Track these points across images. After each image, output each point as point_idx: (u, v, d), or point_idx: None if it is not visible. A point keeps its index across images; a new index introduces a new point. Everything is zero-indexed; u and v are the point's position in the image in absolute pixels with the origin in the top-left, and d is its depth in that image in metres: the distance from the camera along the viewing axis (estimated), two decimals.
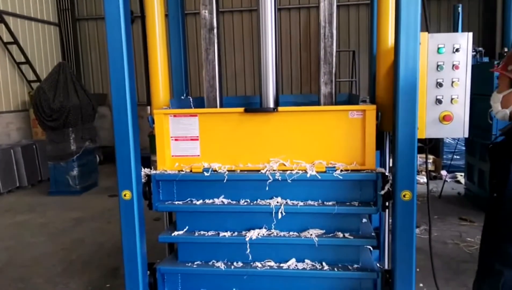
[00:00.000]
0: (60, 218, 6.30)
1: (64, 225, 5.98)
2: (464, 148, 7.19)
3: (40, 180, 8.53)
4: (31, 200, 7.44)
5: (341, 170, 2.38)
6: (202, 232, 2.56)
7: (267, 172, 2.42)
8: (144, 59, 2.94)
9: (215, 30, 2.67)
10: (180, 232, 2.57)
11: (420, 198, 5.46)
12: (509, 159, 1.70)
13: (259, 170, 2.46)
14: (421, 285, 3.59)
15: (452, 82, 2.40)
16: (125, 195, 2.40)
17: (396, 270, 2.27)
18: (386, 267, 2.90)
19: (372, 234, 2.48)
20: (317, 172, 2.38)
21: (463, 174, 7.31)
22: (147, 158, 8.31)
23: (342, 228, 2.46)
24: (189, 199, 2.56)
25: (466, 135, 2.46)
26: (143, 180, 2.49)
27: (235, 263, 2.54)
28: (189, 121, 2.51)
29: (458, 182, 7.47)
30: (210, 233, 2.55)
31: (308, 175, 2.38)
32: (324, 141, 2.44)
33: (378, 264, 2.69)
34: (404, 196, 2.22)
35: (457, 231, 5.09)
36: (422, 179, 7.17)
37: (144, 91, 10.31)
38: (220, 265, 2.53)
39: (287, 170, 2.43)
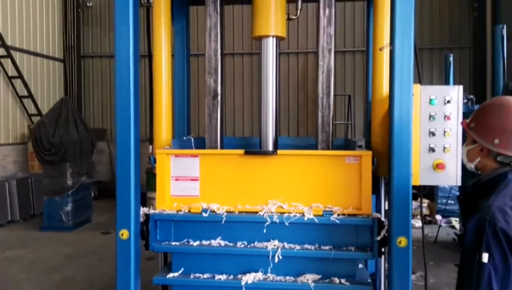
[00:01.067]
0: (51, 255, 6.19)
1: (55, 262, 5.86)
2: (458, 193, 7.24)
3: (33, 215, 8.43)
4: (23, 235, 7.32)
5: (338, 214, 2.42)
6: (197, 275, 2.54)
7: (265, 214, 2.45)
8: (149, 97, 3.03)
9: (219, 97, 2.81)
10: (176, 274, 2.55)
11: (415, 243, 5.42)
12: (473, 214, 1.71)
13: (257, 212, 2.49)
14: None
15: (444, 131, 2.50)
16: (122, 235, 2.41)
17: None
18: None
19: (368, 280, 2.48)
20: (314, 215, 2.42)
21: (457, 219, 7.33)
22: (143, 194, 8.27)
23: (339, 273, 2.46)
24: (186, 239, 2.57)
25: (459, 183, 2.52)
26: (141, 220, 2.51)
27: None
28: (190, 161, 2.56)
29: (453, 227, 7.47)
30: (205, 275, 2.53)
31: (305, 218, 2.41)
32: (322, 184, 2.50)
33: None
34: (399, 242, 2.25)
35: (453, 278, 5.02)
36: (417, 223, 7.16)
37: (144, 127, 10.45)
38: None
39: (284, 213, 2.46)
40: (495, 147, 1.74)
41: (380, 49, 2.62)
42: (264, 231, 2.46)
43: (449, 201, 7.41)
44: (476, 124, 1.83)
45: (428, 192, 8.13)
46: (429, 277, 3.13)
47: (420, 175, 2.52)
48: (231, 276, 2.50)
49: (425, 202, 7.87)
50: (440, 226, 7.00)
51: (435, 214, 7.77)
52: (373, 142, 2.74)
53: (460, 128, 2.47)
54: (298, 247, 2.47)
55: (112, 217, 9.15)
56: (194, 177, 2.57)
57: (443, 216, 7.43)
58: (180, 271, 2.57)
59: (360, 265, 2.71)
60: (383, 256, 2.78)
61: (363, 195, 2.45)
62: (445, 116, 2.48)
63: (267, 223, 2.44)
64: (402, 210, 2.25)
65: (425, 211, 7.77)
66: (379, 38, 2.71)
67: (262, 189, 2.53)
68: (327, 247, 2.46)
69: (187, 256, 2.57)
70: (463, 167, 2.43)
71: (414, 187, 2.36)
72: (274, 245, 2.46)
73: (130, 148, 2.37)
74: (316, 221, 2.41)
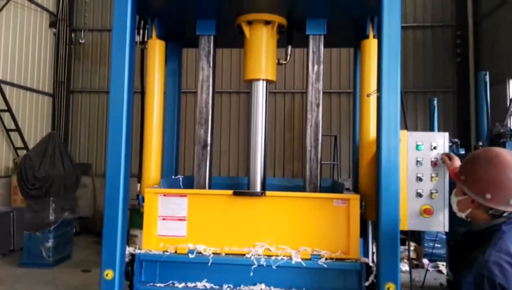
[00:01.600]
0: None
1: None
2: (445, 237, 7.25)
3: (13, 250, 8.15)
4: (1, 270, 7.04)
5: (326, 258, 2.41)
6: None
7: (252, 256, 2.43)
8: (140, 134, 3.05)
9: (209, 148, 2.87)
10: None
11: (402, 288, 5.35)
12: (466, 264, 1.71)
13: (244, 254, 2.46)
14: None
15: (431, 177, 2.54)
16: (107, 275, 2.36)
17: None
18: None
19: None
20: (302, 259, 2.40)
21: (444, 263, 7.29)
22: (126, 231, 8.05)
23: None
24: (171, 281, 2.51)
25: (447, 229, 2.55)
26: (126, 259, 2.46)
27: None
28: (179, 201, 2.56)
29: (440, 271, 7.40)
30: None
31: (293, 262, 2.40)
32: (309, 227, 2.50)
33: None
34: (388, 288, 2.24)
35: None
36: (404, 267, 7.10)
37: (132, 162, 10.38)
38: None
39: (272, 256, 2.44)
40: (487, 202, 1.74)
41: (368, 95, 2.72)
42: (251, 274, 2.43)
43: (436, 245, 7.40)
44: (466, 177, 1.83)
45: (414, 236, 8.14)
46: None
47: (408, 220, 2.55)
48: None
49: (412, 245, 7.84)
50: (427, 270, 6.94)
51: (422, 258, 7.73)
52: (361, 185, 2.78)
53: (447, 173, 2.52)
54: None
55: (92, 254, 8.93)
56: (182, 217, 2.56)
57: (430, 260, 7.38)
58: None
59: None
60: None
61: (351, 239, 2.45)
62: (431, 161, 2.53)
63: (254, 266, 2.41)
64: (390, 255, 2.25)
65: (412, 254, 7.72)
66: (366, 83, 2.81)
67: (250, 230, 2.52)
68: None
69: None
70: (453, 212, 2.47)
71: (402, 231, 2.38)
72: (261, 289, 2.42)
73: (120, 186, 2.37)
74: (304, 264, 2.39)
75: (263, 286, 2.44)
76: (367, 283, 2.32)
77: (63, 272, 7.04)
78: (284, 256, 2.43)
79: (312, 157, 2.76)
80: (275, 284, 2.45)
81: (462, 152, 7.11)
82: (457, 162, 2.43)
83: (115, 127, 2.41)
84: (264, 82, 2.79)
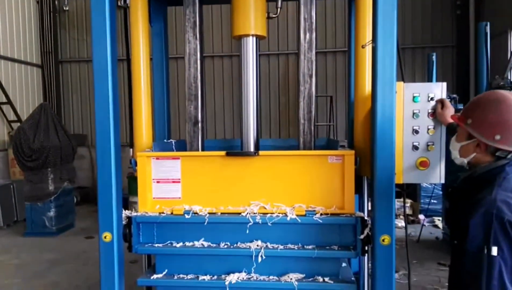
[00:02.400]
0: (35, 260, 6.08)
1: (40, 267, 5.76)
2: (441, 192, 7.35)
3: (16, 221, 8.28)
4: (6, 241, 7.19)
5: (321, 214, 2.42)
6: (181, 276, 2.52)
7: (248, 215, 2.44)
8: (128, 101, 3.01)
9: (200, 124, 2.80)
10: (159, 275, 2.52)
11: (398, 243, 5.43)
12: (470, 208, 1.70)
13: (239, 213, 2.47)
14: None
15: (428, 129, 2.51)
16: (105, 237, 2.38)
17: None
18: None
19: (352, 278, 2.49)
20: (297, 215, 2.41)
21: (440, 218, 7.42)
22: (125, 199, 8.21)
23: (322, 272, 2.47)
24: (169, 241, 2.54)
25: (443, 181, 2.54)
26: (123, 222, 2.48)
27: None
28: (171, 163, 2.53)
29: (436, 226, 7.56)
30: (189, 276, 2.51)
31: (288, 219, 2.41)
32: (304, 185, 2.49)
33: None
34: (383, 240, 2.26)
35: (436, 276, 5.10)
36: (400, 223, 7.22)
37: (124, 132, 10.33)
38: None
39: (267, 213, 2.45)
40: (496, 143, 1.73)
41: (363, 46, 2.63)
42: (247, 231, 2.45)
43: (432, 201, 7.50)
44: (473, 120, 1.81)
45: (410, 191, 8.24)
46: (412, 275, 3.15)
47: (404, 173, 2.54)
48: (215, 277, 2.49)
49: (408, 202, 7.96)
50: (423, 225, 7.08)
51: (418, 214, 7.87)
52: (355, 141, 2.75)
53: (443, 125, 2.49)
54: (281, 247, 2.46)
55: (95, 222, 9.00)
56: (176, 179, 2.54)
57: (426, 216, 7.52)
58: (164, 273, 2.54)
59: (344, 264, 2.72)
60: (366, 255, 2.79)
61: (346, 194, 2.45)
62: (428, 113, 2.49)
63: (250, 223, 2.42)
64: (385, 208, 2.25)
65: (408, 211, 7.85)
66: (361, 36, 2.72)
67: (244, 190, 2.52)
68: (310, 247, 2.45)
69: (171, 258, 2.54)
70: (448, 164, 2.46)
71: (397, 185, 2.38)
72: (257, 246, 2.44)
73: (111, 148, 2.33)
74: (299, 221, 2.40)
75: (259, 242, 2.46)
76: (362, 236, 2.35)
77: (67, 240, 7.19)
78: (279, 213, 2.44)
79: (306, 107, 2.70)
80: (271, 240, 2.48)
81: (460, 107, 7.07)
82: (450, 110, 2.40)
83: (102, 94, 2.34)
84: (254, 38, 2.70)
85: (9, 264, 5.93)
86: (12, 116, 9.59)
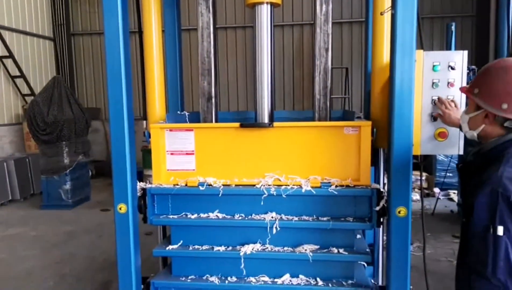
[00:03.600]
0: (52, 232, 6.23)
1: (56, 239, 5.91)
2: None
3: (33, 194, 8.46)
4: (24, 213, 7.36)
5: (336, 186, 2.39)
6: (196, 247, 2.54)
7: (262, 187, 2.42)
8: (141, 74, 2.98)
9: (213, 100, 2.72)
10: (175, 246, 2.54)
11: (413, 216, 5.42)
12: (477, 186, 1.63)
13: (254, 185, 2.45)
14: None
15: (447, 98, 2.42)
16: (120, 209, 2.39)
17: (391, 286, 2.26)
18: (380, 283, 2.89)
19: (367, 250, 2.48)
20: (312, 187, 2.39)
21: (456, 191, 7.36)
22: (140, 172, 8.27)
23: (337, 243, 2.46)
24: (183, 213, 2.55)
25: (461, 152, 2.47)
26: (138, 194, 2.48)
27: (229, 278, 2.52)
28: (185, 135, 2.51)
29: (451, 199, 7.51)
30: (204, 247, 2.53)
31: (303, 190, 2.38)
32: (319, 156, 2.46)
33: (372, 281, 2.68)
34: (399, 212, 2.22)
35: (450, 249, 5.09)
36: (415, 196, 7.19)
37: (138, 105, 10.36)
38: (214, 279, 2.51)
39: (282, 185, 2.43)
40: (503, 113, 1.65)
41: (381, 13, 2.52)
42: (262, 203, 2.44)
43: (448, 174, 7.43)
44: (480, 90, 1.74)
45: (426, 165, 8.15)
46: (427, 248, 3.15)
47: (421, 145, 2.47)
48: (230, 248, 2.50)
49: (423, 175, 7.87)
50: (438, 198, 7.03)
51: (433, 187, 7.81)
52: (372, 113, 2.68)
53: (464, 95, 2.40)
54: (296, 218, 2.45)
55: (110, 195, 9.19)
56: (190, 151, 2.53)
57: (441, 189, 7.46)
58: (179, 243, 2.56)
59: (359, 236, 2.71)
60: (381, 228, 2.78)
61: (361, 166, 2.41)
62: (448, 82, 2.40)
63: (265, 195, 2.41)
64: (402, 179, 2.20)
65: (423, 184, 7.79)
66: (379, 3, 2.61)
67: (259, 162, 2.49)
68: (325, 219, 2.44)
69: (186, 229, 2.55)
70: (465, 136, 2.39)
71: (414, 156, 2.32)
72: (272, 217, 2.44)
73: (124, 117, 2.31)
74: (314, 193, 2.38)
75: (273, 214, 2.45)
76: (377, 208, 2.32)
77: (83, 213, 7.33)
78: (294, 185, 2.42)
79: (322, 101, 2.64)
80: (286, 212, 2.47)
81: None
82: (457, 110, 2.33)
83: (114, 66, 2.29)
84: (269, 5, 2.61)
85: (26, 236, 6.09)
86: (25, 90, 9.66)
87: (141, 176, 7.82)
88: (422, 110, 2.44)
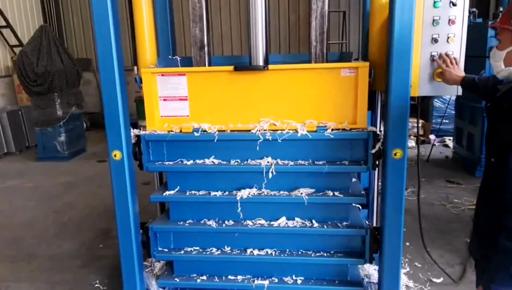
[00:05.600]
0: (50, 183, 6.26)
1: (55, 190, 5.94)
2: (453, 112, 7.22)
3: (28, 146, 8.42)
4: (20, 166, 7.36)
5: (332, 130, 2.37)
6: (193, 192, 2.56)
7: (258, 132, 2.39)
8: (130, 21, 2.84)
9: (206, 48, 2.58)
10: (171, 192, 2.56)
11: (408, 162, 5.48)
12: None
13: (249, 130, 2.43)
14: (407, 244, 3.67)
15: (448, 37, 2.34)
16: (115, 156, 2.38)
17: (385, 227, 2.31)
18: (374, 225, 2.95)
19: (362, 192, 2.50)
20: (308, 131, 2.36)
21: (451, 138, 7.38)
22: (134, 124, 8.15)
23: (332, 187, 2.48)
24: (179, 159, 2.54)
25: (460, 93, 2.41)
26: (132, 141, 2.46)
27: (226, 222, 2.56)
28: (178, 80, 2.44)
29: (446, 146, 7.54)
30: (201, 192, 2.55)
31: (298, 135, 2.36)
32: (315, 100, 2.41)
33: (366, 222, 2.73)
34: (395, 154, 2.22)
35: (444, 193, 5.17)
36: (411, 143, 7.22)
37: (129, 55, 10.08)
38: (212, 223, 2.55)
39: (277, 130, 2.41)
40: None
41: None
42: (257, 149, 2.43)
43: (444, 121, 7.41)
44: None
45: (422, 110, 8.10)
46: (421, 192, 3.19)
47: (420, 86, 2.41)
48: (226, 193, 2.52)
49: (419, 122, 7.87)
50: (433, 145, 7.06)
51: (429, 134, 7.82)
52: (370, 53, 2.59)
53: (465, 33, 2.31)
54: (291, 163, 2.45)
55: (106, 146, 9.11)
56: (183, 97, 2.47)
57: (437, 136, 7.47)
58: (176, 189, 2.57)
59: (354, 179, 2.72)
60: (376, 173, 2.79)
61: (358, 109, 2.37)
62: (449, 20, 2.31)
63: (260, 140, 2.39)
64: (399, 121, 2.19)
65: (419, 131, 7.78)
66: None
67: (254, 107, 2.45)
68: (321, 163, 2.44)
69: (182, 175, 2.56)
70: None
71: (412, 98, 2.27)
72: (268, 162, 2.43)
73: (114, 66, 2.24)
74: (310, 137, 2.36)
75: (269, 159, 2.45)
76: (373, 150, 2.31)
77: (80, 164, 7.34)
78: (289, 129, 2.39)
79: (318, 48, 2.53)
80: (282, 157, 2.46)
81: (479, 20, 6.66)
82: (458, 66, 2.24)
83: (100, 11, 2.19)
84: None
85: (24, 188, 6.12)
86: (13, 41, 9.35)
87: (136, 127, 7.77)
88: (422, 50, 2.36)
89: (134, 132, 2.48)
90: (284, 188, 2.50)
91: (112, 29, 2.21)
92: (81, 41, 10.95)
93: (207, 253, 2.58)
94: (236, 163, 2.48)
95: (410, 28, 2.06)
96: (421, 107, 2.48)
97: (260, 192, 2.49)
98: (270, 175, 2.42)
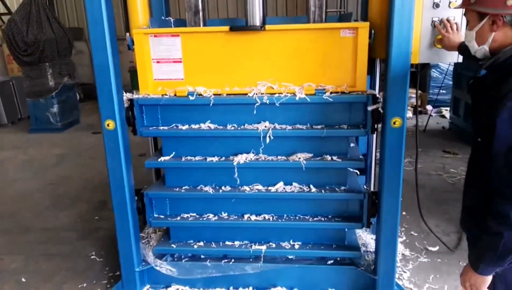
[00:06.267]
0: (44, 155, 6.19)
1: (49, 162, 5.88)
2: (451, 82, 7.15)
3: (20, 118, 8.30)
4: (13, 137, 7.27)
5: (331, 92, 2.31)
6: (189, 158, 2.51)
7: (255, 95, 2.33)
8: None
9: (201, 13, 2.48)
10: (167, 158, 2.51)
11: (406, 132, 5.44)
12: (495, 102, 1.46)
13: (246, 94, 2.36)
14: (404, 213, 3.69)
15: (450, 2, 2.24)
16: (108, 125, 2.32)
17: (383, 191, 2.29)
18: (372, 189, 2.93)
19: (360, 157, 2.47)
20: (306, 94, 2.30)
21: (448, 108, 7.34)
22: (120, 80, 7.88)
23: (330, 151, 2.44)
24: (174, 124, 2.48)
25: (460, 60, 2.34)
26: (125, 105, 2.39)
27: (223, 188, 2.53)
28: (171, 41, 2.35)
29: (443, 116, 7.52)
30: (197, 158, 2.50)
31: (296, 98, 2.30)
32: (314, 62, 2.33)
33: (364, 186, 2.71)
34: (394, 123, 2.18)
35: (440, 163, 5.18)
36: (408, 114, 7.18)
37: (121, 24, 9.80)
38: (208, 189, 2.52)
39: (275, 94, 2.34)
40: (510, 9, 1.45)
41: None
42: (254, 112, 2.37)
43: (441, 91, 7.35)
44: None
45: (420, 81, 8.02)
46: (418, 163, 3.17)
47: (420, 52, 2.33)
48: (223, 158, 2.47)
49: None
50: (430, 115, 7.04)
51: (426, 105, 7.77)
52: (370, 17, 2.50)
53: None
54: (289, 127, 2.40)
55: (100, 118, 9.05)
56: (177, 59, 2.39)
57: (434, 106, 7.43)
58: (171, 155, 2.52)
59: (352, 144, 2.68)
60: (374, 141, 2.75)
61: (358, 71, 2.30)
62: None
63: (257, 104, 2.33)
64: (398, 89, 2.13)
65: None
66: None
67: (251, 69, 2.37)
68: (319, 127, 2.39)
69: (177, 140, 2.50)
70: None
71: (412, 65, 2.20)
72: (265, 127, 2.38)
73: (105, 31, 2.15)
74: (308, 100, 2.30)
75: (267, 123, 2.40)
76: (371, 108, 2.24)
77: (74, 135, 7.26)
78: (287, 93, 2.33)
79: (317, 14, 2.43)
80: (279, 121, 2.41)
81: None
82: (458, 34, 2.17)
83: None
84: None
85: (18, 159, 6.05)
86: (1, 9, 9.07)
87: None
88: (423, 15, 2.27)
89: (126, 96, 2.40)
90: (281, 153, 2.46)
91: None
92: (72, 9, 10.65)
93: (204, 219, 2.56)
94: (232, 128, 2.42)
95: None
96: (423, 70, 2.40)
97: (257, 157, 2.45)
98: (268, 140, 2.37)
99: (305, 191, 2.46)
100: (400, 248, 3.18)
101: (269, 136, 2.36)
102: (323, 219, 2.50)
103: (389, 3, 2.07)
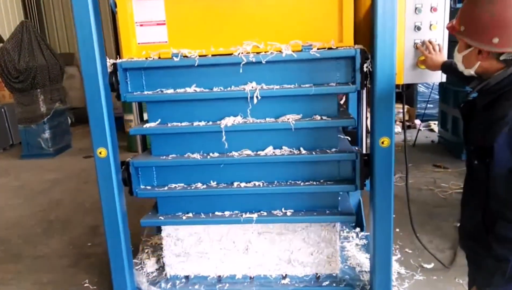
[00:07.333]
0: (35, 181, 6.04)
1: (41, 187, 5.73)
2: (437, 96, 7.23)
3: (12, 144, 8.19)
4: (4, 164, 7.13)
5: (318, 48, 2.28)
6: (175, 124, 2.43)
7: (241, 54, 2.29)
8: None
9: None
10: (152, 124, 2.43)
11: (395, 148, 5.36)
12: (491, 125, 1.48)
13: (231, 54, 2.32)
14: (397, 230, 3.55)
15: (431, 25, 2.30)
16: (100, 153, 2.33)
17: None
18: (364, 151, 2.81)
19: (351, 116, 2.41)
20: (293, 51, 2.27)
21: (436, 122, 7.36)
22: (119, 118, 7.92)
23: (320, 111, 2.38)
24: (159, 89, 2.42)
25: (444, 80, 2.37)
26: (109, 70, 2.34)
27: (211, 154, 2.43)
28: (154, 3, 2.34)
29: (432, 130, 7.52)
30: (183, 124, 2.42)
31: (283, 55, 2.26)
32: (300, 19, 2.32)
33: (356, 148, 2.63)
34: (382, 142, 2.18)
35: (431, 178, 5.10)
36: (397, 129, 7.17)
37: (111, 45, 9.88)
38: (196, 156, 2.42)
39: (261, 52, 2.31)
40: (495, 47, 1.48)
41: None
42: (241, 71, 2.32)
43: (429, 105, 7.40)
44: (466, 26, 1.55)
45: (407, 96, 8.07)
46: (408, 177, 3.10)
47: (404, 74, 2.36)
48: (210, 122, 2.40)
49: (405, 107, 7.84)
50: (419, 130, 7.04)
51: (414, 119, 7.80)
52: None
53: (447, 20, 2.27)
54: (277, 87, 2.35)
55: (91, 143, 8.88)
56: (160, 22, 2.37)
57: (422, 121, 7.46)
58: (157, 122, 2.45)
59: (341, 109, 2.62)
60: (364, 100, 2.70)
61: (344, 25, 2.29)
62: (431, 7, 2.27)
63: (243, 62, 2.28)
64: (385, 110, 2.16)
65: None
66: None
67: (236, 29, 2.35)
68: (307, 85, 2.34)
69: (162, 105, 2.44)
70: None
71: (397, 86, 2.24)
72: (252, 87, 2.33)
73: (96, 61, 2.19)
74: (295, 56, 2.26)
75: (254, 84, 2.35)
76: (360, 65, 2.22)
77: (66, 160, 7.14)
78: (274, 51, 2.29)
79: None
80: (267, 81, 2.36)
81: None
82: (440, 54, 2.25)
83: None
84: None
85: (9, 186, 5.89)
86: None
87: (121, 121, 7.59)
88: (405, 38, 2.31)
89: (110, 61, 2.36)
90: (270, 115, 2.39)
91: (93, 18, 2.17)
92: (64, 35, 10.82)
93: (192, 188, 2.44)
94: (219, 90, 2.37)
95: (393, 18, 2.06)
96: (407, 90, 2.43)
97: (246, 120, 2.38)
98: (255, 100, 2.31)
99: (295, 154, 2.37)
100: (395, 266, 3.04)
101: (257, 96, 2.30)
102: (315, 183, 2.39)
103: (371, 27, 2.13)
